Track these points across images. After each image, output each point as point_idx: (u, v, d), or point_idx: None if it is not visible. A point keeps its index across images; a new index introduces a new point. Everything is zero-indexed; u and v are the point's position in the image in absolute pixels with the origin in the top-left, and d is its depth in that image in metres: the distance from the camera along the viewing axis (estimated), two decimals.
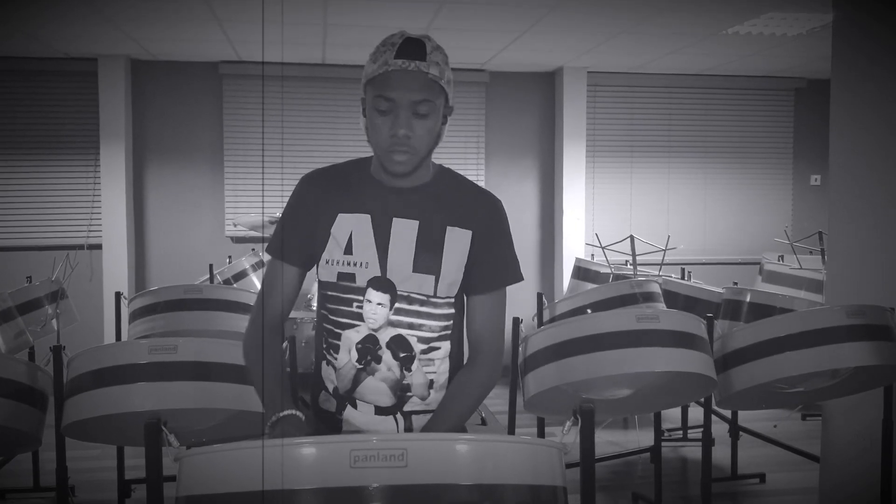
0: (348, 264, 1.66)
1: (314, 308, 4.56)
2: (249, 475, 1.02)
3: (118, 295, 3.98)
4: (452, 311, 1.72)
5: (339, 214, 1.68)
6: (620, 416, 5.04)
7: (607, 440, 4.78)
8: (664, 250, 4.94)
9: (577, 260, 5.75)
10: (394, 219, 1.67)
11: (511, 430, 3.50)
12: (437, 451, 1.06)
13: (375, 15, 4.73)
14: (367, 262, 1.66)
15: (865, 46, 3.33)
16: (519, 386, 2.59)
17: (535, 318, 4.10)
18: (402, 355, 1.67)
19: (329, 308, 1.70)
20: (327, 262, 1.68)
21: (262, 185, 6.43)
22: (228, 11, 4.69)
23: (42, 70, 6.01)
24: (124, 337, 3.78)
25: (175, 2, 4.51)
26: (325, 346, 1.73)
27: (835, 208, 3.53)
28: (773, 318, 2.95)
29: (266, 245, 1.79)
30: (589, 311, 3.81)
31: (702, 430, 3.22)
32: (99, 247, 6.04)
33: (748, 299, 3.98)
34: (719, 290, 4.34)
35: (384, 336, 1.67)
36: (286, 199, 1.76)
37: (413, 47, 1.58)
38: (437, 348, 1.71)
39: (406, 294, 1.66)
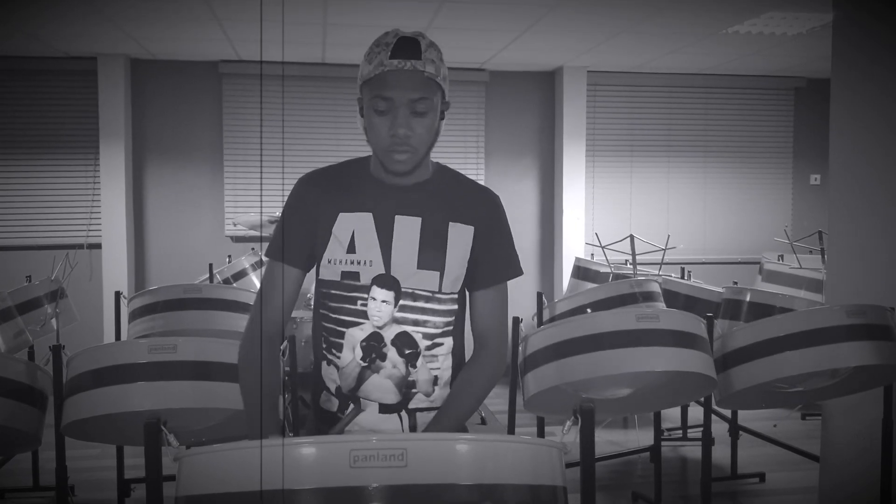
0: (352, 263, 1.66)
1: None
2: (249, 475, 1.02)
3: (118, 294, 3.98)
4: (456, 307, 1.73)
5: (341, 214, 1.68)
6: (620, 416, 5.04)
7: (607, 440, 4.78)
8: (664, 250, 4.94)
9: (577, 259, 5.75)
10: (396, 216, 1.68)
11: (511, 430, 3.49)
12: (437, 451, 1.06)
13: (375, 14, 4.73)
14: (370, 261, 1.66)
15: (865, 46, 3.33)
16: (519, 385, 2.59)
17: (535, 318, 4.10)
18: (407, 352, 1.68)
19: (331, 307, 1.70)
20: (330, 262, 1.68)
21: (261, 184, 6.43)
22: (228, 11, 4.69)
23: (42, 69, 6.01)
24: (124, 336, 3.78)
25: (175, 1, 4.51)
26: (325, 345, 1.73)
27: (835, 207, 3.53)
28: (773, 317, 2.95)
29: (266, 249, 1.78)
30: (589, 310, 3.81)
31: (702, 429, 3.22)
32: (98, 246, 6.04)
33: (748, 299, 3.98)
34: (719, 289, 4.34)
35: (389, 333, 1.67)
36: (286, 199, 1.76)
37: (408, 46, 1.59)
38: (441, 344, 1.72)
39: (410, 291, 1.67)
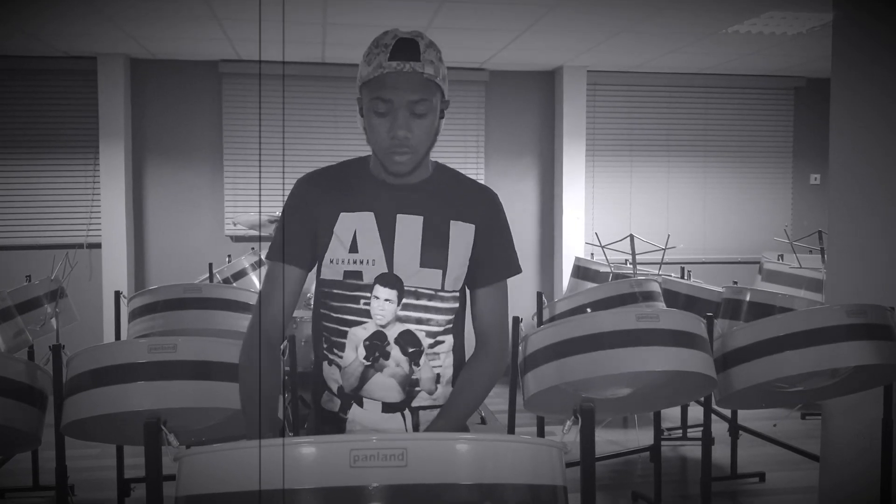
0: (355, 262, 1.67)
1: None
2: (249, 475, 1.02)
3: (117, 294, 3.98)
4: (457, 304, 1.74)
5: (342, 213, 1.68)
6: (620, 416, 5.04)
7: (607, 439, 4.78)
8: (664, 249, 4.94)
9: (577, 259, 5.75)
10: (398, 215, 1.68)
11: (511, 430, 3.49)
12: (437, 451, 1.06)
13: (375, 14, 4.73)
14: (373, 260, 1.66)
15: (866, 45, 3.33)
16: (519, 385, 2.59)
17: (535, 318, 4.10)
18: (410, 350, 1.68)
19: (333, 306, 1.70)
20: (332, 262, 1.68)
21: (259, 183, 6.43)
22: (228, 10, 4.69)
23: (41, 69, 6.01)
24: (124, 336, 3.78)
25: (175, 1, 4.51)
26: (326, 345, 1.73)
27: (835, 207, 3.53)
28: (773, 317, 2.95)
29: (267, 252, 1.78)
30: (589, 310, 3.81)
31: (701, 429, 3.22)
32: (98, 246, 6.04)
33: (748, 298, 3.98)
34: (719, 289, 4.34)
35: (392, 332, 1.67)
36: (286, 199, 1.76)
37: (406, 48, 1.59)
38: (443, 342, 1.72)
39: (414, 289, 1.67)
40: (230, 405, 2.13)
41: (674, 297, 4.38)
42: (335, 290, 1.69)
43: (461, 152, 6.53)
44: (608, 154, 6.77)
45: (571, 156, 6.50)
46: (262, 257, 5.10)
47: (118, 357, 2.13)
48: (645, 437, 4.49)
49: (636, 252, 4.91)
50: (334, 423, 1.72)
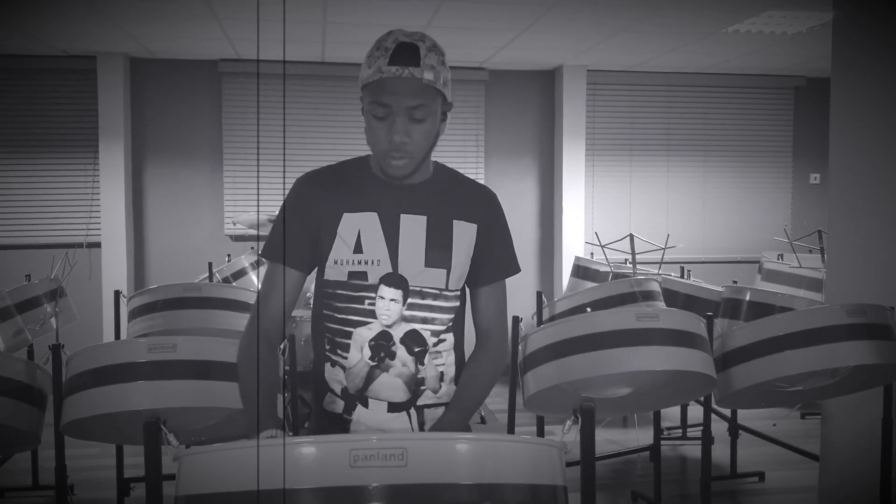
0: (359, 263, 1.67)
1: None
2: (249, 474, 1.02)
3: (117, 293, 3.98)
4: (458, 303, 1.75)
5: (345, 214, 1.68)
6: (620, 415, 5.04)
7: (607, 439, 4.78)
8: (664, 249, 4.94)
9: (577, 258, 5.75)
10: (401, 215, 1.68)
11: (511, 429, 3.50)
12: (437, 451, 1.06)
13: (375, 14, 4.73)
14: (378, 260, 1.66)
15: (865, 45, 3.33)
16: (518, 384, 2.59)
17: (535, 317, 4.10)
18: (416, 349, 1.69)
19: (337, 307, 1.70)
20: (336, 263, 1.68)
21: (258, 182, 6.42)
22: (227, 10, 4.68)
23: (41, 68, 6.00)
24: (123, 335, 3.78)
25: (174, 0, 4.51)
26: (329, 346, 1.72)
27: (835, 207, 3.53)
28: (773, 316, 2.95)
29: (262, 251, 1.77)
30: (588, 309, 3.81)
31: (701, 428, 3.22)
32: (98, 245, 6.04)
33: (748, 298, 3.98)
34: (719, 288, 4.34)
35: (398, 332, 1.68)
36: (285, 199, 1.74)
37: (406, 53, 1.58)
38: (445, 340, 1.73)
39: (419, 289, 1.68)
40: (230, 405, 2.13)
41: (673, 297, 4.38)
42: (339, 291, 1.69)
43: (461, 152, 6.53)
44: (608, 153, 6.77)
45: (571, 155, 6.49)
46: (260, 256, 5.09)
47: (118, 356, 2.13)
48: (645, 436, 4.49)
49: (636, 251, 4.91)
50: (338, 425, 1.72)
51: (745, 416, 4.56)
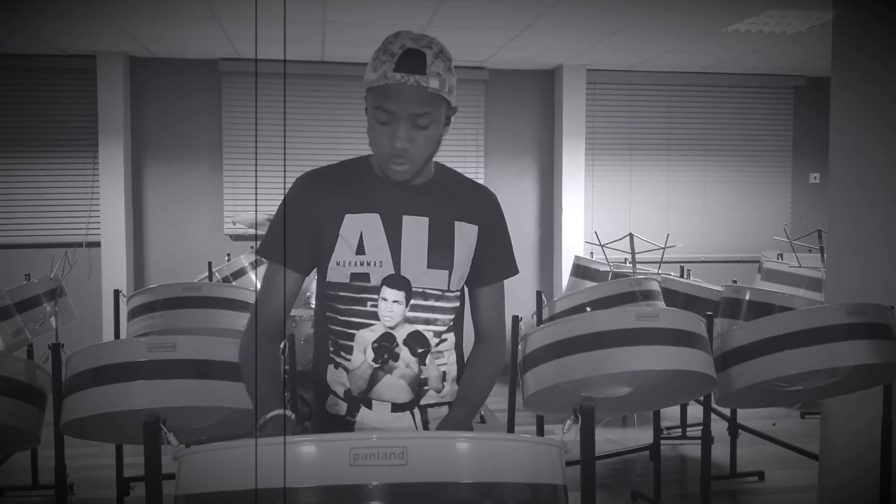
0: (362, 264, 1.66)
1: (313, 306, 4.56)
2: (248, 474, 1.02)
3: (117, 293, 3.98)
4: (458, 303, 1.76)
5: (347, 215, 1.67)
6: (620, 414, 5.04)
7: (606, 438, 4.78)
8: (663, 248, 4.94)
9: (577, 258, 5.75)
10: (403, 216, 1.68)
11: (510, 429, 3.50)
12: (437, 450, 1.06)
13: (375, 13, 4.73)
14: (381, 261, 1.66)
15: (865, 44, 3.33)
16: (518, 384, 2.59)
17: (535, 317, 4.10)
18: (419, 350, 1.69)
19: (339, 309, 1.69)
20: (338, 264, 1.67)
21: (256, 180, 6.41)
22: (227, 9, 4.68)
23: (41, 67, 6.00)
24: (123, 335, 3.78)
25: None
26: (332, 348, 1.72)
27: (835, 206, 3.53)
28: (773, 316, 2.95)
29: (258, 249, 1.77)
30: (588, 309, 3.81)
31: (701, 428, 3.22)
32: (97, 244, 6.04)
33: (747, 297, 3.98)
34: (719, 288, 4.34)
35: (401, 333, 1.68)
36: (285, 199, 1.73)
37: (413, 60, 1.56)
38: (446, 340, 1.74)
39: (421, 290, 1.68)
40: (229, 404, 2.13)
41: (673, 296, 4.38)
42: (342, 293, 1.68)
43: (461, 151, 6.53)
44: (608, 153, 6.77)
45: (571, 154, 6.49)
46: (257, 255, 5.09)
47: (117, 356, 2.13)
48: (644, 435, 4.49)
49: (636, 251, 4.91)
50: (341, 428, 1.71)
51: (745, 415, 4.56)
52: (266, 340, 1.67)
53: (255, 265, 5.05)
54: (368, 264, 1.66)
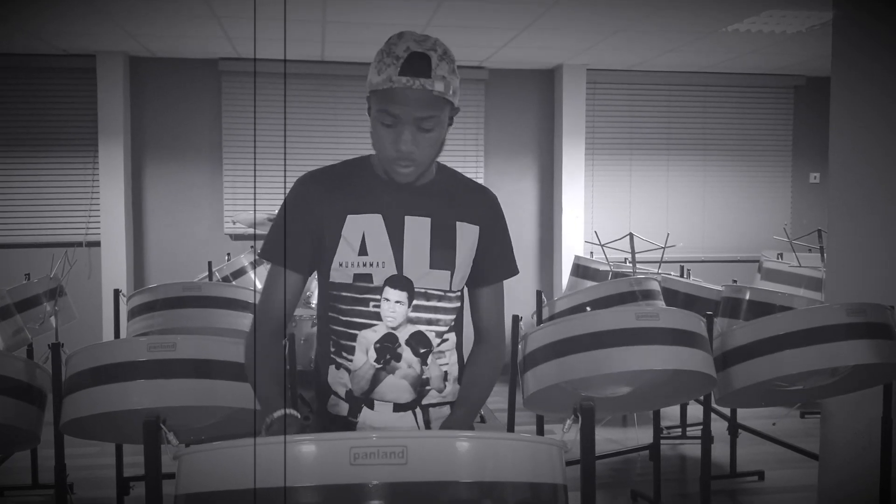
0: (364, 265, 1.66)
1: (313, 305, 4.56)
2: (248, 473, 1.02)
3: (117, 292, 3.98)
4: (459, 303, 1.77)
5: (349, 216, 1.67)
6: (620, 414, 5.04)
7: (606, 438, 4.78)
8: (663, 248, 4.93)
9: (577, 258, 5.75)
10: (406, 217, 1.68)
11: (510, 428, 3.50)
12: (438, 449, 1.06)
13: (375, 13, 4.73)
14: (383, 262, 1.66)
15: (865, 44, 3.33)
16: (518, 384, 2.59)
17: (535, 316, 4.10)
18: (422, 351, 1.69)
19: (341, 310, 1.69)
20: (341, 265, 1.67)
21: (255, 180, 6.41)
22: (227, 9, 4.68)
23: (40, 67, 6.00)
24: (123, 334, 3.78)
25: None
26: (334, 349, 1.72)
27: (834, 206, 3.53)
28: (773, 316, 2.95)
29: (261, 251, 1.77)
30: (588, 308, 3.81)
31: (701, 427, 3.22)
32: (97, 244, 6.04)
33: (747, 297, 3.98)
34: (718, 287, 4.34)
35: (403, 333, 1.68)
36: (285, 199, 1.73)
37: (418, 64, 1.55)
38: (447, 340, 1.74)
39: (423, 290, 1.68)
40: (230, 403, 2.13)
41: (673, 296, 4.38)
42: (344, 294, 1.68)
43: (461, 151, 6.53)
44: (608, 152, 6.77)
45: (571, 154, 6.49)
46: (258, 257, 5.09)
47: (117, 355, 2.13)
48: (644, 435, 4.49)
49: (636, 251, 4.91)
50: (343, 428, 1.71)
51: (745, 415, 4.56)
52: (270, 342, 1.67)
53: (255, 265, 5.06)
54: (371, 265, 1.66)
